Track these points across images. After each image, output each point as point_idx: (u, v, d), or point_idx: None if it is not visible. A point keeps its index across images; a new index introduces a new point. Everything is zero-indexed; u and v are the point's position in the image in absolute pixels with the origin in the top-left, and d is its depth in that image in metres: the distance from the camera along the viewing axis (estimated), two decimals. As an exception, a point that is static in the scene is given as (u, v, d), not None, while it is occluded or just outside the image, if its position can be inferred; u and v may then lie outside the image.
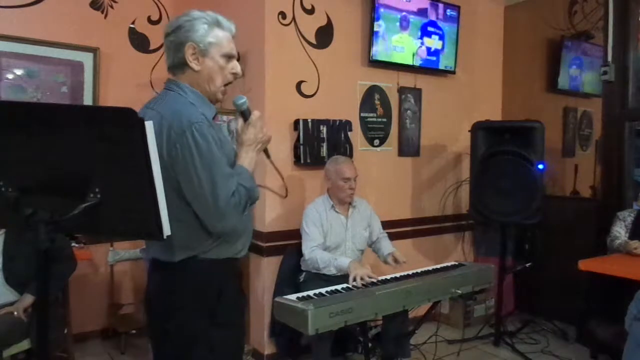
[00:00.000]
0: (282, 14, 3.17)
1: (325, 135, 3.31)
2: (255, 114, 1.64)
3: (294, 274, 3.08)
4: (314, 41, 3.33)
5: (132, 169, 1.19)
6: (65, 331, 2.91)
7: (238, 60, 1.68)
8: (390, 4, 3.51)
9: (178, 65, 1.59)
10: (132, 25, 3.69)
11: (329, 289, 2.32)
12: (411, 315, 2.88)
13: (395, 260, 2.84)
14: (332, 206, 3.01)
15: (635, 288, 2.53)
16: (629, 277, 2.66)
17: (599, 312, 3.09)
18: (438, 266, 2.75)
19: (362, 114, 3.57)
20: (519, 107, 4.32)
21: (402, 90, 3.77)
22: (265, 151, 1.72)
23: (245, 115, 1.65)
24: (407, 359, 2.93)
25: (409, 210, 3.89)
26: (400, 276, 2.52)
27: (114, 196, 1.20)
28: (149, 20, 3.76)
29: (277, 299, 2.18)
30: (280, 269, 3.16)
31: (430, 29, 3.76)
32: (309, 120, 3.24)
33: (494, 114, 4.35)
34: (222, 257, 1.58)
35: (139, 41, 3.72)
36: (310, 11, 3.31)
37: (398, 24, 3.58)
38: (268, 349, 3.22)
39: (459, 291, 2.49)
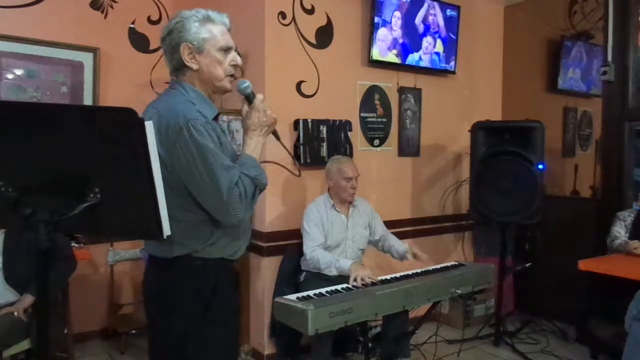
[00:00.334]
0: (282, 14, 3.17)
1: (325, 135, 3.31)
2: (258, 97, 1.64)
3: (294, 274, 3.08)
4: (314, 41, 3.33)
5: (132, 168, 1.19)
6: (65, 331, 2.91)
7: (239, 55, 1.68)
8: (391, 4, 3.51)
9: (178, 68, 1.60)
10: (132, 25, 3.69)
11: (329, 289, 2.32)
12: (411, 315, 2.88)
13: (415, 256, 2.83)
14: (332, 205, 3.01)
15: (635, 288, 2.53)
16: (629, 277, 2.66)
17: (599, 312, 3.09)
18: (438, 266, 2.75)
19: (362, 114, 3.57)
20: (519, 107, 4.32)
21: (402, 90, 3.78)
22: (275, 133, 1.71)
23: (249, 99, 1.65)
24: (407, 358, 2.93)
25: (409, 210, 3.90)
26: (400, 276, 2.52)
27: (114, 196, 1.20)
28: (149, 20, 3.76)
29: (277, 299, 2.18)
30: (280, 269, 3.16)
31: (430, 28, 3.76)
32: (309, 120, 3.24)
33: (494, 114, 4.35)
34: (216, 257, 1.59)
35: (139, 41, 3.72)
36: (310, 11, 3.31)
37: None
38: (268, 349, 3.22)
39: (459, 291, 2.49)
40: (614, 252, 3.13)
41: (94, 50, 3.49)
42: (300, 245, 3.09)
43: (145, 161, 1.16)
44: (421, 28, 3.71)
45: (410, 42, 3.67)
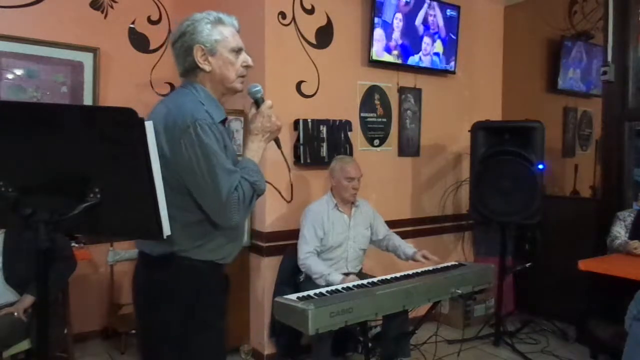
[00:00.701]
0: (282, 14, 3.17)
1: (325, 135, 3.31)
2: (266, 103, 1.65)
3: (294, 273, 3.08)
4: (314, 41, 3.33)
5: (132, 168, 1.19)
6: (65, 331, 2.91)
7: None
8: (391, 4, 3.52)
9: (190, 70, 1.61)
10: (132, 25, 3.69)
11: (329, 288, 2.32)
12: (411, 315, 2.88)
13: (426, 257, 2.83)
14: (335, 205, 3.01)
15: (635, 288, 2.53)
16: (629, 277, 2.66)
17: (599, 312, 3.09)
18: (438, 266, 2.75)
19: (362, 114, 3.57)
20: (519, 107, 4.32)
21: (402, 90, 3.78)
22: (276, 141, 1.72)
23: (258, 103, 1.66)
24: (407, 358, 2.93)
25: (409, 210, 3.90)
26: (400, 276, 2.52)
27: (114, 196, 1.20)
28: (149, 20, 3.76)
29: (277, 299, 2.18)
30: (280, 268, 3.16)
31: (429, 29, 3.76)
32: (309, 120, 3.24)
33: (494, 114, 4.35)
34: (204, 259, 1.58)
35: (139, 41, 3.72)
36: (310, 11, 3.31)
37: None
38: (268, 348, 3.22)
39: (459, 291, 2.48)
40: (614, 252, 3.13)
41: (94, 50, 3.49)
42: (300, 245, 3.10)
43: (145, 161, 1.16)
44: (421, 29, 3.71)
45: (410, 43, 3.68)
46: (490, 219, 3.50)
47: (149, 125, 1.16)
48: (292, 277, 3.07)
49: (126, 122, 1.15)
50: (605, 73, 3.57)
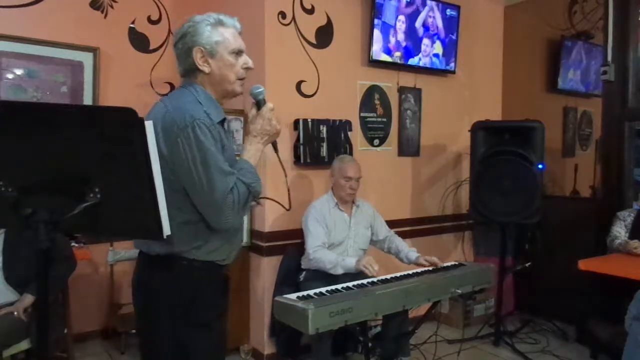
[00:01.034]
0: (282, 14, 3.17)
1: (325, 135, 3.31)
2: (268, 106, 1.65)
3: (294, 273, 3.08)
4: (313, 41, 3.33)
5: (132, 168, 1.19)
6: (65, 331, 2.91)
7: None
8: (390, 1, 3.52)
9: (190, 71, 1.62)
10: (132, 25, 3.69)
11: (329, 288, 2.32)
12: (411, 315, 2.88)
13: (429, 262, 2.81)
14: (336, 204, 3.02)
15: (635, 288, 2.53)
16: (629, 277, 2.66)
17: (599, 312, 3.09)
18: (438, 266, 2.75)
19: (362, 114, 3.58)
20: (519, 107, 4.32)
21: (402, 90, 3.78)
22: (274, 145, 1.72)
23: (259, 105, 1.66)
24: (407, 358, 2.93)
25: (409, 210, 3.90)
26: (400, 276, 2.52)
27: (114, 196, 1.20)
28: (149, 20, 3.76)
29: (277, 299, 2.18)
30: (280, 268, 3.16)
31: (429, 30, 3.76)
32: (309, 120, 3.24)
33: (494, 113, 4.35)
34: (203, 260, 1.58)
35: (139, 41, 3.72)
36: (310, 11, 3.31)
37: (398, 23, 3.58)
38: (268, 348, 3.22)
39: (459, 291, 2.49)
40: (614, 251, 3.14)
41: (93, 50, 3.49)
42: (300, 244, 3.09)
43: (145, 161, 1.16)
44: (421, 31, 3.72)
45: (411, 45, 3.68)
46: (490, 219, 3.50)
47: (149, 125, 1.16)
48: (292, 277, 3.08)
49: (126, 122, 1.15)
50: (605, 73, 3.57)
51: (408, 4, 3.61)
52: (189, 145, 1.45)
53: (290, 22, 3.22)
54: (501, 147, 3.41)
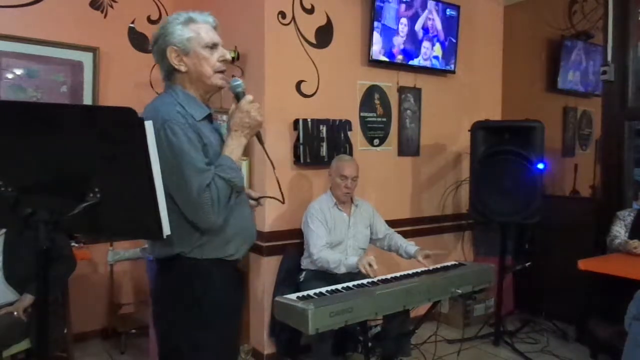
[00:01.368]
0: (282, 14, 3.17)
1: (325, 135, 3.31)
2: (246, 98, 1.63)
3: (294, 273, 3.08)
4: (313, 41, 3.33)
5: (132, 168, 1.19)
6: (65, 331, 2.91)
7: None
8: (390, 3, 3.52)
9: (169, 73, 1.63)
10: (131, 25, 3.69)
11: (329, 288, 2.32)
12: (411, 314, 2.88)
13: (427, 256, 2.83)
14: (335, 204, 3.02)
15: (634, 288, 2.53)
16: (629, 277, 2.66)
17: (599, 311, 3.09)
18: (438, 266, 2.75)
19: (361, 114, 3.57)
20: (518, 106, 4.32)
21: (401, 90, 3.77)
22: (258, 137, 1.70)
23: (238, 98, 1.64)
24: (407, 358, 2.93)
25: (409, 209, 3.90)
26: (400, 276, 2.52)
27: (114, 196, 1.20)
28: (149, 19, 3.76)
29: (277, 299, 2.18)
30: (280, 268, 3.16)
31: (430, 29, 3.76)
32: (309, 120, 3.24)
33: (494, 113, 4.36)
34: (210, 258, 1.58)
35: (139, 41, 3.72)
36: (310, 11, 3.31)
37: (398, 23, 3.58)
38: (268, 348, 3.22)
39: (459, 291, 2.48)
40: (614, 251, 3.14)
41: (93, 50, 3.49)
42: (300, 244, 3.09)
43: (145, 161, 1.16)
44: (420, 34, 3.71)
45: (412, 48, 3.68)
46: (490, 218, 3.51)
47: (148, 125, 1.16)
48: (292, 277, 3.08)
49: (126, 122, 1.15)
50: (605, 72, 3.57)
51: (408, 7, 3.61)
52: (161, 147, 1.44)
53: (290, 22, 3.22)
54: (501, 147, 3.41)
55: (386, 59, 3.55)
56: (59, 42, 3.37)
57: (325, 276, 2.80)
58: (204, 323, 1.59)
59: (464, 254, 4.20)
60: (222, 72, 1.64)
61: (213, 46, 1.62)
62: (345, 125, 3.41)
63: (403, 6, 3.58)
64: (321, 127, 3.29)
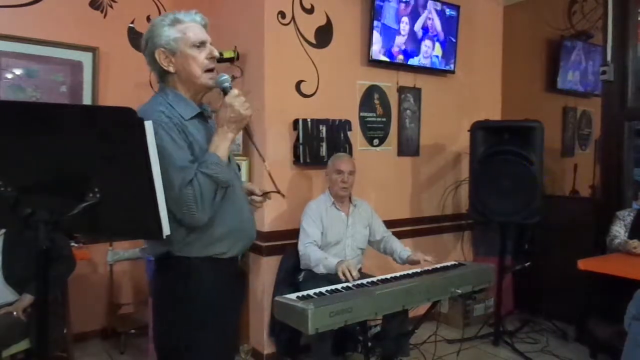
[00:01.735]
0: (282, 14, 3.17)
1: (324, 135, 3.31)
2: (231, 93, 1.59)
3: (294, 273, 3.08)
4: (313, 41, 3.33)
5: (132, 168, 1.19)
6: (65, 331, 2.91)
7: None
8: (390, 3, 3.52)
9: (161, 75, 1.64)
10: (131, 25, 3.69)
11: (329, 288, 2.32)
12: (411, 314, 2.88)
13: (423, 260, 2.81)
14: (333, 203, 3.03)
15: (634, 288, 2.53)
16: (629, 277, 2.66)
17: (599, 311, 3.09)
18: (438, 266, 2.74)
19: (361, 114, 3.57)
20: (518, 106, 4.32)
21: (401, 90, 3.78)
22: (247, 130, 1.70)
23: (225, 92, 1.62)
24: (407, 358, 2.93)
25: (408, 209, 3.90)
26: (400, 276, 2.52)
27: (113, 196, 1.20)
28: (149, 20, 3.75)
29: (277, 299, 2.18)
30: (279, 268, 3.16)
31: (429, 28, 3.76)
32: (309, 119, 3.24)
33: (494, 113, 4.36)
34: (199, 256, 1.58)
35: (139, 41, 3.67)
36: (310, 11, 3.31)
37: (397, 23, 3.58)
38: (267, 348, 3.22)
39: (459, 291, 2.48)
40: (614, 251, 3.14)
41: (93, 50, 3.49)
42: (300, 244, 3.09)
43: (145, 161, 1.17)
44: (420, 33, 3.71)
45: (412, 48, 3.68)
46: (489, 218, 3.51)
47: (148, 125, 1.16)
48: (292, 277, 3.08)
49: (126, 122, 1.15)
50: (604, 72, 3.57)
51: (408, 6, 3.61)
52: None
53: (290, 22, 3.22)
54: (500, 147, 3.41)
55: (386, 59, 3.56)
56: (59, 42, 3.36)
57: (325, 276, 2.80)
58: (199, 322, 1.58)
59: (464, 254, 4.20)
60: (211, 70, 1.63)
61: (200, 44, 1.61)
62: (345, 125, 3.41)
63: (403, 5, 3.58)
64: (321, 127, 3.30)
